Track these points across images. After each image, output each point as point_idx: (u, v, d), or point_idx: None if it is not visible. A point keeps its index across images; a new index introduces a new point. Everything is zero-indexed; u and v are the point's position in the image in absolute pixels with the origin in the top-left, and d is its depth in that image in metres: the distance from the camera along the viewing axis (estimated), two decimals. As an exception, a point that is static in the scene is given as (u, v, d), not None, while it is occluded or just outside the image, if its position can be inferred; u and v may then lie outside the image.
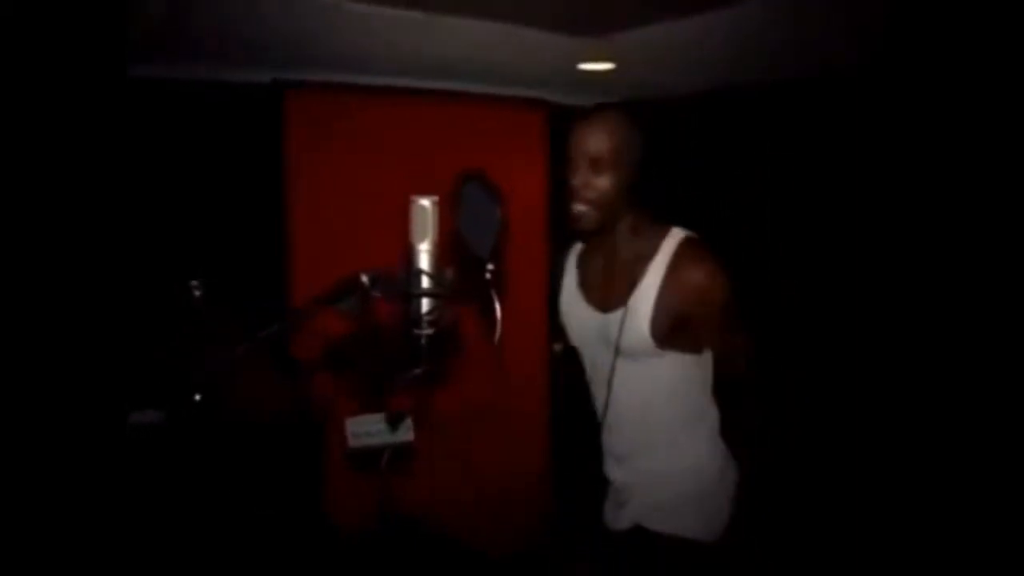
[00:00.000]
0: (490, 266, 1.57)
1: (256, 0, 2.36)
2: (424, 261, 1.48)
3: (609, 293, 2.09)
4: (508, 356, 3.66)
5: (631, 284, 2.01)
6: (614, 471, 2.24)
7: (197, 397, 1.33)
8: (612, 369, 2.09)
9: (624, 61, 3.27)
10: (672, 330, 1.97)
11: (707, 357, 2.09)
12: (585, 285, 2.20)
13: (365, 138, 3.54)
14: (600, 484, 2.31)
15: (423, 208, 1.47)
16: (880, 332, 3.51)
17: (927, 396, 3.28)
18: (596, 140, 1.96)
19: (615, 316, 2.03)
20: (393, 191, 3.53)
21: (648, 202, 2.01)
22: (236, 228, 3.29)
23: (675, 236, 2.01)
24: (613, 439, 2.20)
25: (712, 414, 2.15)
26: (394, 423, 2.01)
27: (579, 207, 1.99)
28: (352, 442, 2.38)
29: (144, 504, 2.66)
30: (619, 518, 2.20)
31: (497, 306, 1.58)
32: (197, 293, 1.78)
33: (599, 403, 2.20)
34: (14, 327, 2.49)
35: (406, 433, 2.39)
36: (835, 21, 2.64)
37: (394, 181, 3.48)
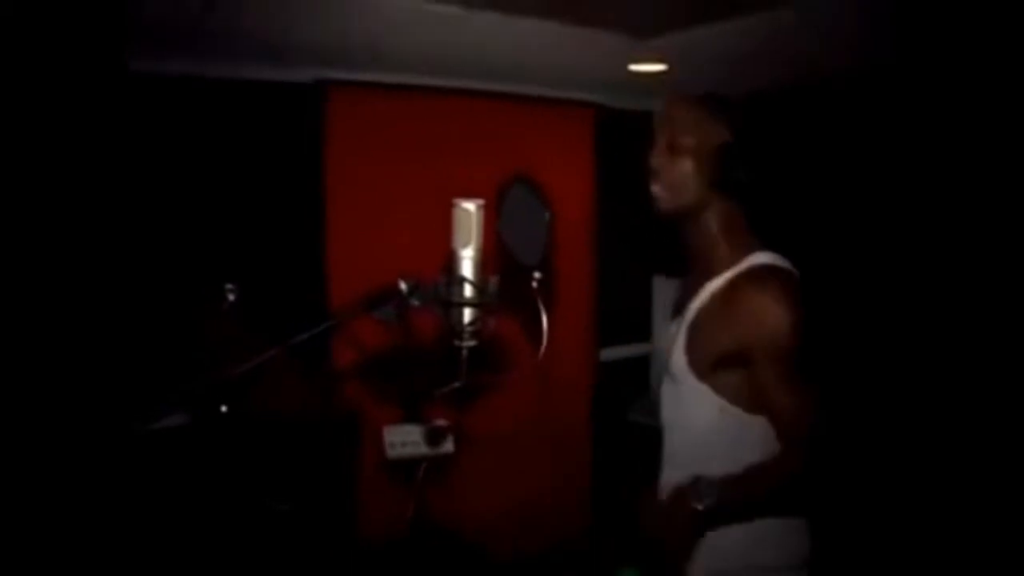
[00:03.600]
0: (537, 274, 1.49)
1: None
2: (467, 268, 1.39)
3: (682, 300, 1.94)
4: (552, 366, 3.55)
5: (693, 297, 1.84)
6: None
7: (224, 408, 1.25)
8: (660, 384, 1.97)
9: (676, 63, 3.18)
10: (716, 360, 1.75)
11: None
12: (682, 291, 2.01)
13: (408, 139, 3.47)
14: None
15: (467, 212, 1.38)
16: (898, 335, 3.46)
17: (943, 403, 3.23)
18: (678, 120, 1.83)
19: (674, 325, 1.91)
20: (435, 194, 3.46)
21: (735, 197, 1.83)
22: (275, 229, 3.25)
23: (751, 259, 1.78)
24: (664, 468, 1.99)
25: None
26: (434, 438, 1.92)
27: (654, 188, 1.85)
28: (390, 452, 2.31)
29: (169, 508, 2.62)
30: None
31: (544, 317, 1.49)
32: (231, 297, 1.71)
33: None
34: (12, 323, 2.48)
35: (445, 445, 2.30)
36: (884, 21, 2.55)
37: (436, 184, 3.40)
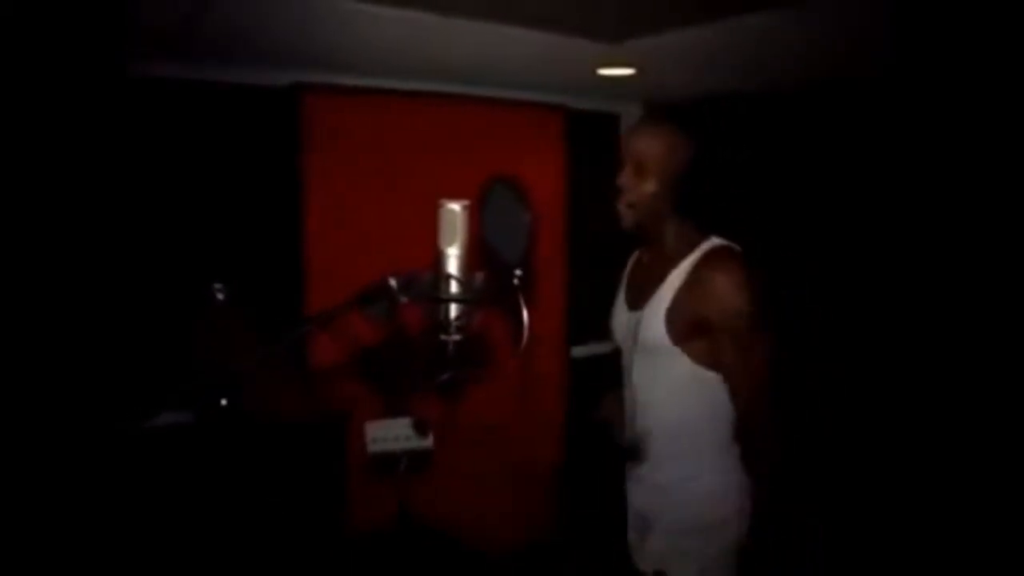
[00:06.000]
0: (518, 272, 1.56)
1: (275, 2, 2.36)
2: (453, 266, 1.47)
3: (641, 292, 2.12)
4: (528, 362, 3.64)
5: (657, 284, 2.04)
6: (634, 492, 2.24)
7: (224, 401, 1.31)
8: (632, 363, 2.16)
9: (644, 67, 3.26)
10: (688, 329, 1.97)
11: None
12: (629, 286, 2.26)
13: (383, 142, 3.52)
14: (613, 486, 2.32)
15: (452, 212, 1.45)
16: (894, 335, 3.50)
17: (954, 404, 3.25)
18: (642, 144, 2.01)
19: (639, 313, 2.08)
20: (410, 195, 3.55)
21: (693, 212, 2.03)
22: (254, 232, 3.28)
23: (709, 243, 2.02)
24: (632, 421, 2.21)
25: (736, 449, 2.08)
26: (420, 430, 2.00)
27: (620, 207, 2.05)
28: (371, 447, 2.37)
29: (168, 504, 2.66)
30: (642, 555, 2.20)
31: (525, 312, 1.56)
32: (221, 296, 1.76)
33: (626, 402, 2.23)
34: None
35: (425, 439, 2.37)
36: (851, 28, 2.63)
37: (411, 185, 3.47)
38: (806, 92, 3.68)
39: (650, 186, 2.00)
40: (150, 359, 2.69)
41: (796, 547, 2.73)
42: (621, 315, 2.24)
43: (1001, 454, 3.08)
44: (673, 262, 2.03)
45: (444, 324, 1.47)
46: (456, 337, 1.48)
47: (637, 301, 2.14)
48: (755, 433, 1.99)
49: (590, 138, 4.13)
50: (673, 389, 2.06)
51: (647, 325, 2.04)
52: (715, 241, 2.03)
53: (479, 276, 1.50)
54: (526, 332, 1.57)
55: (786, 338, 2.01)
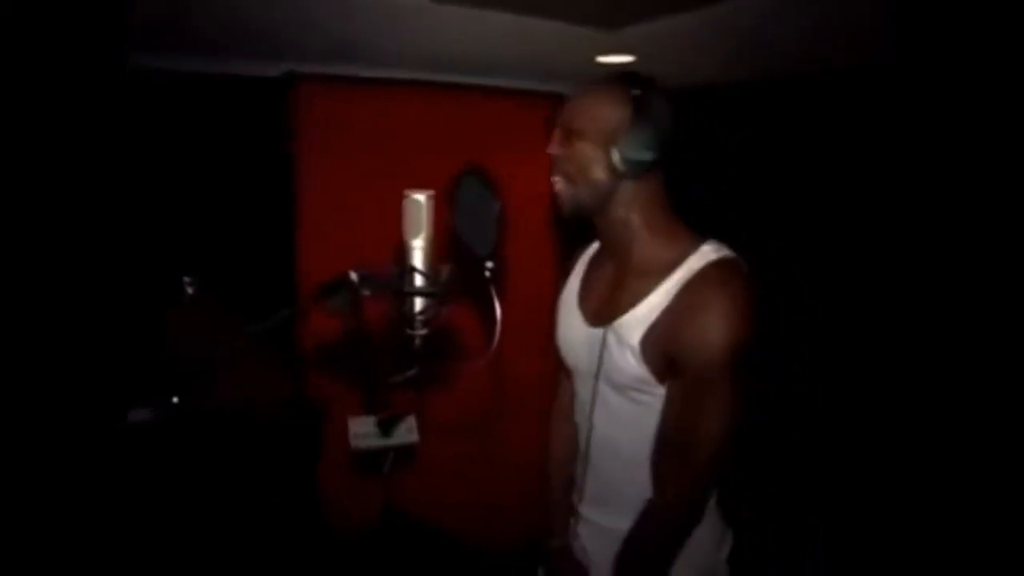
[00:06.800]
0: (489, 264, 1.50)
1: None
2: (417, 258, 1.41)
3: (604, 305, 1.78)
4: (511, 357, 3.59)
5: (632, 299, 1.68)
6: (590, 541, 1.94)
7: (175, 399, 1.27)
8: (593, 397, 1.79)
9: (643, 54, 3.20)
10: (662, 363, 1.63)
11: None
12: (584, 291, 1.90)
13: (377, 132, 3.49)
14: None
15: (416, 203, 1.40)
16: (891, 332, 3.45)
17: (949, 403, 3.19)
18: (569, 106, 1.73)
19: (601, 333, 1.73)
20: (404, 185, 3.49)
21: (644, 180, 1.68)
22: (245, 223, 3.26)
23: (705, 255, 1.64)
24: (587, 482, 1.89)
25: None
26: (386, 427, 1.94)
27: (554, 178, 1.76)
28: (354, 443, 2.32)
29: (137, 503, 2.63)
30: None
31: (497, 306, 1.50)
32: (190, 290, 1.72)
33: (579, 431, 1.92)
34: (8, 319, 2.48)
35: (409, 435, 2.32)
36: (852, 16, 2.57)
37: (405, 175, 3.41)
38: (802, 80, 3.62)
39: (583, 148, 1.67)
40: (128, 354, 2.67)
41: (796, 547, 2.67)
42: (576, 329, 1.86)
43: (1001, 453, 3.02)
44: (654, 275, 1.67)
45: (408, 318, 1.42)
46: (422, 332, 1.43)
47: (599, 315, 1.79)
48: (679, 493, 1.67)
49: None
50: (644, 427, 1.71)
51: (615, 351, 1.69)
52: (711, 252, 1.65)
53: (445, 269, 1.44)
54: (499, 326, 1.51)
55: (784, 338, 1.88)
